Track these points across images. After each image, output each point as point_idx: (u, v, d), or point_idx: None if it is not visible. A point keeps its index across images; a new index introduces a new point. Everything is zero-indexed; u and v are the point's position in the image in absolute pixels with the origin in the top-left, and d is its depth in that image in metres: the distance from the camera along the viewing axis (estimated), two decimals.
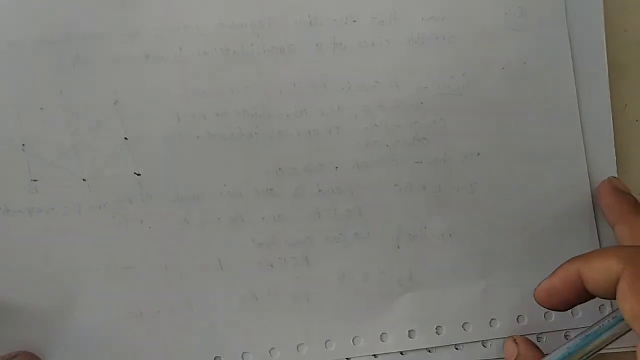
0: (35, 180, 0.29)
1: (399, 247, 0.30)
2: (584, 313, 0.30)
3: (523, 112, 0.30)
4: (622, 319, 0.24)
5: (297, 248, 0.30)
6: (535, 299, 0.26)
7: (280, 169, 0.30)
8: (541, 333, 0.31)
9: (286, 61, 0.30)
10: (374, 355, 0.30)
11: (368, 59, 0.30)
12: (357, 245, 0.30)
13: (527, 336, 0.29)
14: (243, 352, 0.30)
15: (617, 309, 0.23)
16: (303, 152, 0.30)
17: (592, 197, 0.31)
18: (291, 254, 0.30)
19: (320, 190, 0.30)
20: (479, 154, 0.30)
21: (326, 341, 0.30)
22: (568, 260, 0.25)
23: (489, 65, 0.30)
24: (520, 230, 0.31)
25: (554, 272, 0.25)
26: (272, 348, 0.30)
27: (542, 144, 0.30)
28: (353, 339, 0.30)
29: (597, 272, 0.22)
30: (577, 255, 0.25)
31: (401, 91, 0.30)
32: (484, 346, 0.30)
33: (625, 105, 0.31)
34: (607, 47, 0.31)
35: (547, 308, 0.26)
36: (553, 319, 0.31)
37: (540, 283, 0.25)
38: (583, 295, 0.24)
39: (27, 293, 0.29)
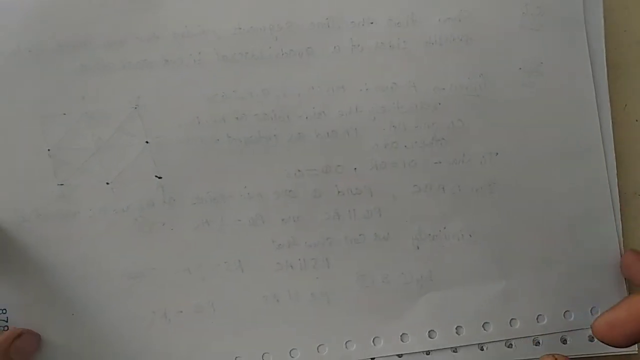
0: (61, 185, 0.30)
1: (418, 248, 0.30)
2: (602, 310, 0.30)
3: (541, 112, 0.30)
4: None
5: (317, 249, 0.30)
6: (594, 333, 0.23)
7: (299, 170, 0.30)
8: (563, 332, 0.31)
9: (304, 64, 0.30)
10: (399, 355, 0.30)
11: (386, 60, 0.30)
12: (376, 246, 0.30)
13: (548, 336, 0.29)
14: (263, 353, 0.30)
15: None
16: (322, 153, 0.30)
17: (611, 195, 0.31)
18: (311, 255, 0.30)
19: (339, 192, 0.30)
20: (497, 154, 0.30)
21: (346, 342, 0.30)
22: (634, 293, 0.23)
23: (506, 65, 0.30)
24: (540, 230, 0.30)
25: (617, 304, 0.23)
26: (293, 349, 0.30)
27: (560, 143, 0.30)
28: (373, 339, 0.30)
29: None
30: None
31: (419, 92, 0.30)
32: (508, 347, 0.30)
33: (625, 105, 0.31)
34: (607, 46, 0.30)
35: (606, 343, 0.23)
36: (573, 318, 0.30)
37: (600, 315, 0.23)
38: None
39: (54, 292, 0.30)
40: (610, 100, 0.31)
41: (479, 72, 0.30)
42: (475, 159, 0.30)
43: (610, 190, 0.31)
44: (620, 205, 0.31)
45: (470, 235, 0.30)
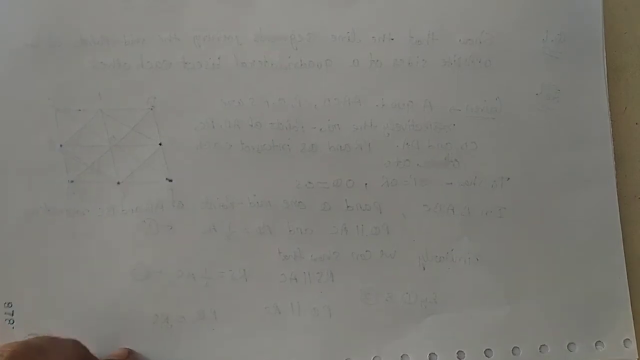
0: (72, 182, 0.30)
1: (424, 268, 0.30)
2: (608, 345, 0.30)
3: (555, 139, 0.30)
4: None
5: (323, 263, 0.30)
6: None
7: (310, 182, 0.30)
8: None
9: (322, 75, 0.30)
10: None
11: (403, 77, 0.30)
12: (382, 264, 0.30)
13: None
14: None
15: None
16: (334, 167, 0.30)
17: (620, 225, 0.30)
18: (316, 268, 0.30)
19: (348, 206, 0.30)
20: (509, 178, 0.30)
21: (346, 359, 0.30)
22: None
23: (523, 90, 0.30)
24: (547, 258, 0.30)
25: None
26: None
27: (572, 171, 0.30)
28: (373, 358, 0.30)
29: None
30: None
31: (434, 112, 0.30)
32: None
33: (625, 108, 0.31)
34: (606, 49, 0.30)
35: None
36: (577, 351, 0.30)
37: None
38: None
39: (59, 288, 0.30)
40: (610, 103, 0.30)
41: (495, 95, 0.30)
42: (487, 182, 0.30)
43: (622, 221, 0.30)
44: (620, 208, 0.30)
45: (477, 259, 0.30)
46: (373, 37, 0.30)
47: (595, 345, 0.30)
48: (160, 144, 0.30)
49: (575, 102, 0.30)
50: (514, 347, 0.30)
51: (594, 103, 0.30)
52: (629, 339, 0.30)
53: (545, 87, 0.30)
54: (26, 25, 0.30)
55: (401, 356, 0.30)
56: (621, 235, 0.30)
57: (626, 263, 0.30)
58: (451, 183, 0.30)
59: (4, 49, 0.30)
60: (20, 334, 0.29)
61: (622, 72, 0.31)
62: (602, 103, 0.30)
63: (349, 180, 0.30)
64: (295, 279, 0.30)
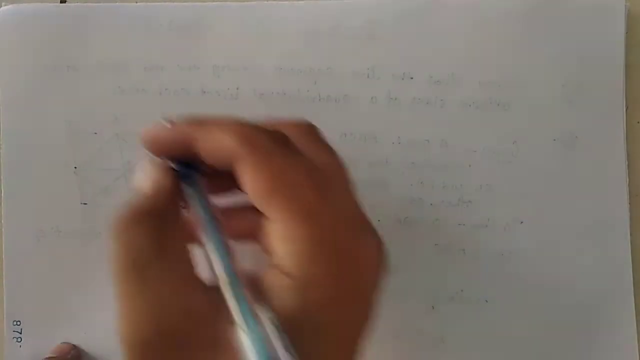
0: (84, 204, 0.30)
1: (433, 308, 0.30)
2: None
3: (570, 186, 0.30)
4: None
5: None
6: (142, 137, 0.22)
7: None
8: None
9: (340, 111, 0.30)
10: None
11: (421, 116, 0.30)
12: (391, 302, 0.30)
13: None
14: None
15: None
16: None
17: (632, 274, 0.30)
18: None
19: None
20: (522, 222, 0.30)
21: None
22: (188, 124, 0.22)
23: (541, 135, 0.30)
24: (557, 303, 0.30)
25: (172, 124, 0.22)
26: None
27: (586, 218, 0.30)
28: None
29: (214, 142, 0.21)
30: None
31: (450, 152, 0.30)
32: None
33: (627, 107, 0.30)
34: None
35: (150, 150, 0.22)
36: None
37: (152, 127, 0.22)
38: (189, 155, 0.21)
39: (68, 309, 0.30)
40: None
41: (512, 139, 0.30)
42: (500, 224, 0.30)
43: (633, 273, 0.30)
44: None
45: (486, 301, 0.30)
46: (392, 74, 0.30)
47: None
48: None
49: (592, 150, 0.30)
50: None
51: (611, 151, 0.30)
52: None
53: (563, 133, 0.30)
54: (45, 47, 0.30)
55: None
56: (632, 286, 0.30)
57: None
58: (464, 224, 0.30)
59: (22, 70, 0.30)
60: (27, 353, 0.29)
61: (624, 71, 0.30)
62: (619, 152, 0.30)
63: None
64: None
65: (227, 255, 0.20)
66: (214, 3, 0.30)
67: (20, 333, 0.30)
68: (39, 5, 0.31)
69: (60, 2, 0.31)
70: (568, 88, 0.30)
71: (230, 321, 0.19)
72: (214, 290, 0.19)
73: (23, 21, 0.31)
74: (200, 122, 0.22)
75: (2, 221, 0.30)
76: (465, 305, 0.30)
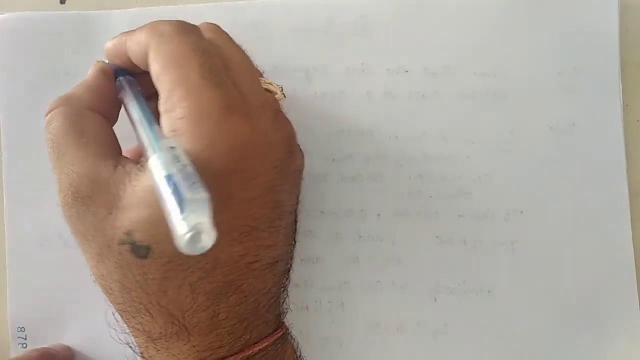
0: None
1: (436, 300, 0.30)
2: None
3: (569, 174, 0.30)
4: None
5: (334, 292, 0.30)
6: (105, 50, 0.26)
7: (322, 212, 0.30)
8: None
9: (336, 107, 0.30)
10: None
11: (417, 109, 0.30)
12: (393, 294, 0.30)
13: None
14: None
15: None
16: (346, 197, 0.30)
17: (634, 261, 0.30)
18: (327, 297, 0.30)
19: (360, 237, 0.30)
20: (522, 212, 0.30)
21: None
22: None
23: (538, 124, 0.30)
24: (559, 292, 0.30)
25: (120, 37, 0.25)
26: None
27: (586, 206, 0.30)
28: None
29: (133, 42, 0.24)
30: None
31: (448, 144, 0.30)
32: None
33: (627, 106, 0.30)
34: None
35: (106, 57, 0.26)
36: None
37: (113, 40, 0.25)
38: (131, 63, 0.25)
39: (73, 315, 0.30)
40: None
41: (510, 129, 0.30)
42: (500, 215, 0.30)
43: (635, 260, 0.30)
44: None
45: (489, 292, 0.30)
46: (387, 69, 0.30)
47: None
48: None
49: (590, 137, 0.30)
50: None
51: (609, 137, 0.30)
52: None
53: (560, 121, 0.30)
54: (43, 55, 0.31)
55: None
56: (635, 273, 0.30)
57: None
58: (464, 216, 0.30)
59: (21, 78, 0.31)
60: None
61: (623, 70, 0.30)
62: (617, 137, 0.30)
63: (361, 210, 0.30)
64: (307, 308, 0.30)
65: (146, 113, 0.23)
66: (207, 4, 0.31)
67: (25, 339, 0.30)
68: (37, 13, 0.31)
69: (60, 2, 0.32)
70: (564, 76, 0.30)
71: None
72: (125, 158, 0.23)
73: (21, 29, 0.31)
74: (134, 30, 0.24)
75: (6, 228, 0.30)
76: (467, 296, 0.30)
